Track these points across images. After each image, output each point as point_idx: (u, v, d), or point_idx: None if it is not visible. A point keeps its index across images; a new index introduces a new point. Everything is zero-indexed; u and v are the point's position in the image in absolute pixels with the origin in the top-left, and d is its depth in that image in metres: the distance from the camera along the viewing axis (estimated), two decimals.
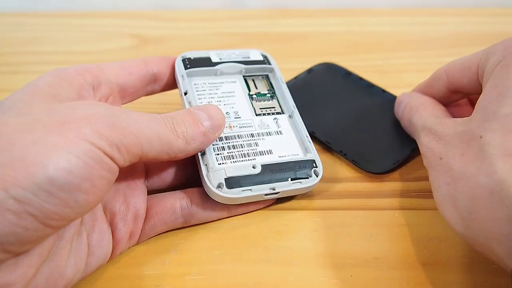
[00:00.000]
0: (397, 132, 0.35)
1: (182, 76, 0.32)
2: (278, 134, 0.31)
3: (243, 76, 0.34)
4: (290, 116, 0.32)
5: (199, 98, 0.32)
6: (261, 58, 0.35)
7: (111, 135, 0.21)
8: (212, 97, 0.32)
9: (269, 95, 0.34)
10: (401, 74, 0.43)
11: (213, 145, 0.29)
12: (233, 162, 0.29)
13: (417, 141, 0.30)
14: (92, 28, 0.50)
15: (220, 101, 0.32)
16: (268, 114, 0.32)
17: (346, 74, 0.40)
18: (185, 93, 0.31)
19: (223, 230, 0.29)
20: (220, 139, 0.30)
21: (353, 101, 0.38)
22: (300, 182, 0.29)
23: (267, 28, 0.50)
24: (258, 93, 0.33)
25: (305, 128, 0.31)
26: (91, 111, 0.22)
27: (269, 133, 0.31)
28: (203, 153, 0.28)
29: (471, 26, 0.50)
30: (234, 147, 0.29)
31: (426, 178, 0.32)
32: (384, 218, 0.30)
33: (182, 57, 0.33)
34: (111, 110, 0.23)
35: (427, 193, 0.31)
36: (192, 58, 0.33)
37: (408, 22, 0.51)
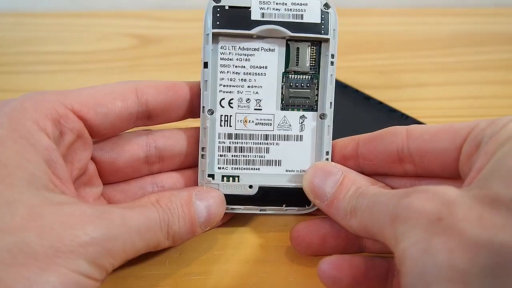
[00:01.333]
0: None
1: (208, 35, 0.26)
2: (297, 140, 0.27)
3: (287, 41, 0.27)
4: (321, 117, 0.27)
5: (221, 73, 0.27)
6: (317, 20, 0.26)
7: (105, 262, 0.20)
8: (237, 73, 0.27)
9: (309, 76, 0.27)
10: (401, 74, 0.43)
11: (219, 142, 0.27)
12: (234, 168, 0.27)
13: (394, 248, 0.20)
14: (92, 28, 0.50)
15: (245, 80, 0.27)
16: (296, 108, 0.27)
17: (342, 87, 0.40)
18: (205, 65, 0.26)
19: (223, 230, 0.29)
20: (229, 136, 0.27)
21: (351, 112, 0.38)
22: (295, 209, 0.28)
23: None
24: (297, 71, 0.27)
25: (331, 140, 0.27)
26: (87, 238, 0.19)
27: (287, 138, 0.27)
28: (203, 156, 0.27)
29: (471, 26, 0.50)
30: (241, 149, 0.27)
31: None
32: None
33: (216, 1, 0.26)
34: (108, 229, 0.20)
35: None
36: (227, 7, 0.26)
37: (408, 22, 0.51)
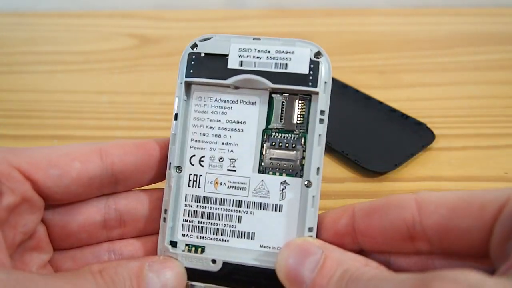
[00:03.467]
0: (397, 137, 0.35)
1: (181, 83, 0.23)
2: (275, 209, 0.23)
3: (270, 93, 0.23)
4: (306, 185, 0.22)
5: (193, 126, 0.24)
6: (305, 70, 0.22)
7: None
8: (211, 127, 0.23)
9: (295, 136, 0.23)
10: (401, 74, 0.43)
11: (185, 205, 0.23)
12: (200, 237, 0.23)
13: None
14: (92, 28, 0.50)
15: (219, 136, 0.23)
16: (278, 172, 0.23)
17: (343, 87, 0.40)
18: (176, 117, 0.23)
19: None
20: (197, 199, 0.23)
21: (352, 111, 0.38)
22: None
23: (267, 28, 0.50)
24: (281, 129, 0.23)
25: (316, 214, 0.22)
26: None
27: (263, 206, 0.23)
28: (165, 219, 0.23)
29: (471, 26, 0.50)
30: (209, 216, 0.23)
31: (426, 178, 0.33)
32: None
33: (193, 48, 0.24)
34: None
35: None
36: (203, 54, 0.23)
37: (408, 22, 0.51)
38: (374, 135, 0.35)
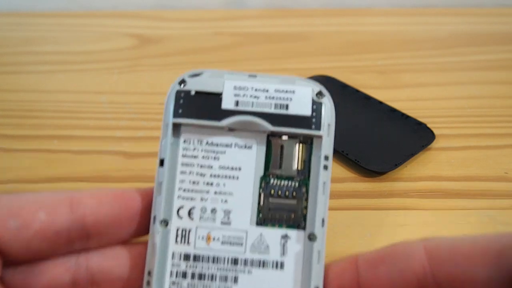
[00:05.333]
0: (397, 137, 0.35)
1: (167, 125, 0.20)
2: (276, 267, 0.20)
3: (268, 136, 0.21)
4: (310, 238, 0.20)
5: (181, 173, 0.21)
6: (307, 111, 0.21)
7: None
8: (201, 175, 0.21)
9: (296, 183, 0.21)
10: (401, 74, 0.43)
11: (172, 265, 0.20)
12: None
13: None
14: (92, 28, 0.50)
15: (211, 184, 0.21)
16: (278, 224, 0.21)
17: (343, 87, 0.40)
18: (161, 163, 0.20)
19: None
20: (186, 257, 0.20)
21: (352, 111, 0.38)
22: None
23: (267, 28, 0.50)
24: (280, 175, 0.21)
25: (322, 271, 0.20)
26: None
27: (262, 264, 0.20)
28: (148, 282, 0.20)
29: (471, 26, 0.50)
30: (201, 276, 0.20)
31: (426, 178, 0.33)
32: (384, 218, 0.30)
33: (180, 84, 0.21)
34: None
35: (427, 193, 0.31)
36: (193, 92, 0.21)
37: (408, 22, 0.51)
38: (374, 135, 0.35)
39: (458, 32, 0.49)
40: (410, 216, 0.30)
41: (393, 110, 0.37)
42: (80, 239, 0.19)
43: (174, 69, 0.44)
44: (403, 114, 0.37)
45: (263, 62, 0.45)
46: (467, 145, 0.35)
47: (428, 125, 0.36)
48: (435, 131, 0.35)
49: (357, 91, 0.39)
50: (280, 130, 0.20)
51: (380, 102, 0.38)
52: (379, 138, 0.35)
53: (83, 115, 0.39)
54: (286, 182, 0.21)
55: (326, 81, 0.41)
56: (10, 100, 0.40)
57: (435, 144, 0.35)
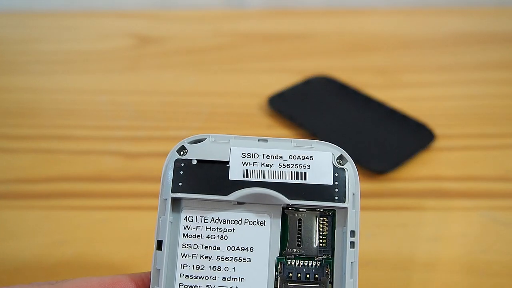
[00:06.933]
0: (397, 137, 0.35)
1: (165, 200, 0.18)
2: None
3: (283, 209, 0.18)
4: None
5: (182, 256, 0.18)
6: (328, 180, 0.18)
7: None
8: (207, 257, 0.18)
9: (318, 263, 0.18)
10: (401, 74, 0.43)
11: None
12: None
13: None
14: (92, 28, 0.50)
15: (219, 268, 0.18)
16: None
17: (343, 87, 0.40)
18: (159, 246, 0.17)
19: None
20: None
21: (352, 111, 0.38)
22: None
23: (267, 28, 0.50)
24: (300, 255, 0.18)
25: None
26: None
27: None
28: None
29: (472, 26, 0.50)
30: None
31: (426, 178, 0.33)
32: (384, 218, 0.30)
33: (180, 152, 0.18)
34: None
35: (427, 193, 0.31)
36: (194, 161, 0.18)
37: (408, 22, 0.51)
38: (374, 135, 0.35)
39: (459, 32, 0.49)
40: (410, 216, 0.30)
41: (393, 110, 0.37)
42: None
43: (174, 69, 0.44)
44: (403, 114, 0.37)
45: (263, 62, 0.45)
46: (467, 145, 0.35)
47: (428, 125, 0.36)
48: (435, 131, 0.35)
49: (357, 91, 0.39)
50: (298, 203, 0.18)
51: (380, 102, 0.38)
52: (379, 138, 0.35)
53: (83, 115, 0.39)
54: (306, 263, 0.18)
55: (326, 81, 0.41)
56: (10, 100, 0.40)
57: (435, 144, 0.35)
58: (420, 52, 0.46)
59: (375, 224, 0.30)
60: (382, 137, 0.35)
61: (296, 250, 0.18)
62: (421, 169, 0.33)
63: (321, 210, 0.18)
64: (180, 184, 0.18)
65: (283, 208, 0.18)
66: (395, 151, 0.34)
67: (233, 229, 0.18)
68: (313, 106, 0.38)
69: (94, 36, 0.49)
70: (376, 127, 0.36)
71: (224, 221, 0.18)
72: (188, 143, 0.18)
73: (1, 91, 0.41)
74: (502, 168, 0.33)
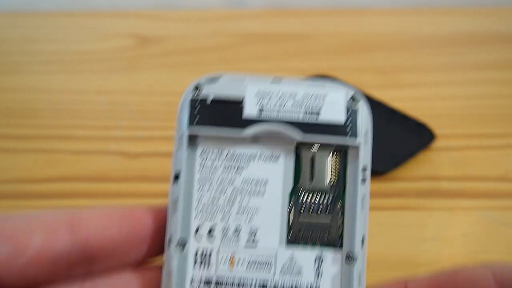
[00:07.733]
0: (397, 137, 0.35)
1: (181, 136, 0.18)
2: None
3: (297, 146, 0.19)
4: (348, 259, 0.18)
5: (198, 190, 0.18)
6: (341, 118, 0.19)
7: None
8: (222, 190, 0.18)
9: (330, 197, 0.19)
10: (401, 74, 0.43)
11: None
12: None
13: None
14: (91, 28, 0.50)
15: (233, 201, 0.18)
16: (311, 244, 0.18)
17: None
18: (176, 177, 0.18)
19: None
20: (208, 283, 0.18)
21: None
22: None
23: (267, 28, 0.50)
24: (312, 189, 0.19)
25: None
26: None
27: None
28: None
29: (472, 26, 0.50)
30: None
31: (426, 178, 0.33)
32: (383, 218, 0.30)
33: (195, 91, 0.18)
34: None
35: (427, 193, 0.31)
36: (209, 100, 0.18)
37: (408, 22, 0.51)
38: (374, 135, 0.35)
39: (459, 31, 0.49)
40: (410, 216, 0.30)
41: (393, 110, 0.37)
42: (82, 263, 0.17)
43: (174, 69, 0.44)
44: (403, 114, 0.37)
45: (263, 62, 0.45)
46: (467, 145, 0.35)
47: (428, 125, 0.36)
48: (435, 131, 0.35)
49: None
50: (311, 140, 0.18)
51: (380, 102, 0.38)
52: (379, 138, 0.35)
53: (83, 115, 0.39)
54: (318, 197, 0.19)
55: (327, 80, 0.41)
56: (10, 100, 0.40)
57: (435, 144, 0.35)
58: (420, 52, 0.46)
59: (375, 224, 0.29)
60: (381, 137, 0.35)
61: (308, 185, 0.19)
62: (421, 169, 0.33)
63: (334, 147, 0.19)
64: (196, 121, 0.18)
65: (296, 146, 0.19)
66: (395, 151, 0.34)
67: (248, 164, 0.18)
68: None
69: (94, 36, 0.49)
70: (375, 127, 0.36)
71: (239, 157, 0.18)
72: (204, 82, 0.18)
73: (1, 91, 0.41)
74: (502, 168, 0.33)
